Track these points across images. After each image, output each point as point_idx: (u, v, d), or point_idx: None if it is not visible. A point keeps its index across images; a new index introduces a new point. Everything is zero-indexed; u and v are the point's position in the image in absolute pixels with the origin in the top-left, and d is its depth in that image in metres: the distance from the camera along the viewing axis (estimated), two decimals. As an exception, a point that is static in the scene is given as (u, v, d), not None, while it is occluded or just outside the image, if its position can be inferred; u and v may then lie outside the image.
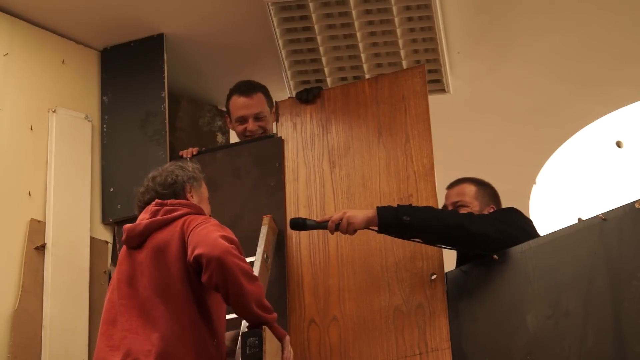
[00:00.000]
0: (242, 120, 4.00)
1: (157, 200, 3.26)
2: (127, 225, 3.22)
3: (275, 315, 3.09)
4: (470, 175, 3.81)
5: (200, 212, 3.24)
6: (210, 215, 3.31)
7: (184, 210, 3.20)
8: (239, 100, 4.02)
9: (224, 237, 3.03)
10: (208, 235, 3.04)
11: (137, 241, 3.17)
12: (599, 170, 5.10)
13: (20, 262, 3.67)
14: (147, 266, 3.11)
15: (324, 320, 3.56)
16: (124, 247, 3.24)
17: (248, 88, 4.06)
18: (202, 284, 3.06)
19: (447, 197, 3.74)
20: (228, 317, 3.23)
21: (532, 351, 3.15)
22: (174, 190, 3.30)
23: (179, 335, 3.02)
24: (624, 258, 3.04)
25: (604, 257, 3.08)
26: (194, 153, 4.01)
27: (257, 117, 4.00)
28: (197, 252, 3.00)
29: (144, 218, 3.22)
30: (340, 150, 3.82)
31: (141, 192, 3.34)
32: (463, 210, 3.60)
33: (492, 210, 3.65)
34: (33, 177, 3.84)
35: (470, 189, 3.71)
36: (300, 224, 3.47)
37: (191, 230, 3.10)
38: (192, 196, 3.33)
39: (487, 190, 3.73)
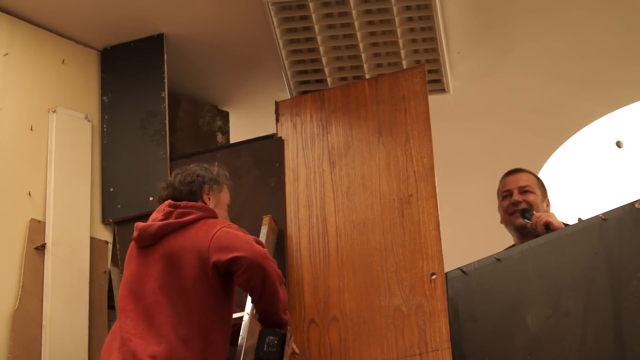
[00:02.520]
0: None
1: (169, 201, 3.26)
2: (140, 224, 3.22)
3: (289, 316, 3.19)
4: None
5: (213, 215, 3.25)
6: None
7: (198, 214, 3.20)
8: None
9: (257, 242, 3.11)
10: (240, 238, 3.10)
11: (149, 241, 3.18)
12: (599, 170, 5.10)
13: (20, 262, 3.67)
14: (159, 270, 3.12)
15: (324, 320, 3.56)
16: (133, 245, 3.24)
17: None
18: (221, 289, 3.10)
19: (512, 181, 3.75)
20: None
21: (532, 351, 3.16)
22: (190, 189, 3.32)
23: (187, 340, 3.01)
24: (624, 258, 3.04)
25: (604, 257, 3.09)
26: None
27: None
28: (234, 254, 3.04)
29: (156, 218, 3.22)
30: (340, 150, 3.82)
31: (162, 187, 3.38)
32: (530, 196, 3.68)
33: (548, 205, 3.72)
34: (33, 177, 3.84)
35: (532, 178, 3.78)
36: (528, 216, 3.55)
37: (215, 234, 3.11)
38: (208, 198, 3.34)
39: (542, 182, 3.80)
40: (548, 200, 3.77)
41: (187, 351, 3.01)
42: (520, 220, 3.64)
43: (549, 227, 3.47)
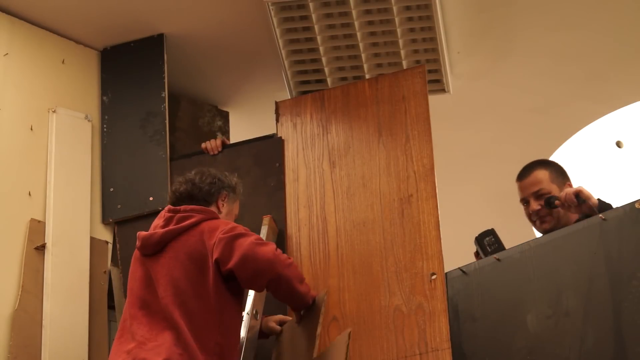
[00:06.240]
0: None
1: (169, 206, 3.26)
2: (143, 233, 3.22)
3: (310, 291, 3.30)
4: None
5: (214, 216, 3.24)
6: None
7: (198, 216, 3.20)
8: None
9: (263, 247, 3.11)
10: (254, 250, 3.09)
11: (152, 249, 3.18)
12: (599, 170, 5.10)
13: (20, 262, 3.67)
14: (168, 274, 3.11)
15: (324, 320, 3.55)
16: (137, 253, 3.24)
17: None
18: (229, 290, 3.12)
19: (524, 187, 3.60)
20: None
21: (532, 351, 3.15)
22: (210, 189, 3.31)
23: (203, 340, 3.01)
24: (623, 258, 3.04)
25: (604, 257, 3.08)
26: (219, 149, 4.03)
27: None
28: (248, 266, 3.08)
29: (157, 225, 3.22)
30: (340, 150, 3.82)
31: (179, 181, 3.35)
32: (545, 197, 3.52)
33: (569, 185, 3.56)
34: (33, 177, 3.84)
35: (544, 174, 3.59)
36: (553, 201, 3.49)
37: (225, 238, 3.11)
38: (223, 204, 3.33)
39: (557, 168, 3.63)
40: (569, 183, 3.58)
41: (204, 350, 3.00)
42: (544, 226, 3.51)
43: (579, 196, 3.33)
